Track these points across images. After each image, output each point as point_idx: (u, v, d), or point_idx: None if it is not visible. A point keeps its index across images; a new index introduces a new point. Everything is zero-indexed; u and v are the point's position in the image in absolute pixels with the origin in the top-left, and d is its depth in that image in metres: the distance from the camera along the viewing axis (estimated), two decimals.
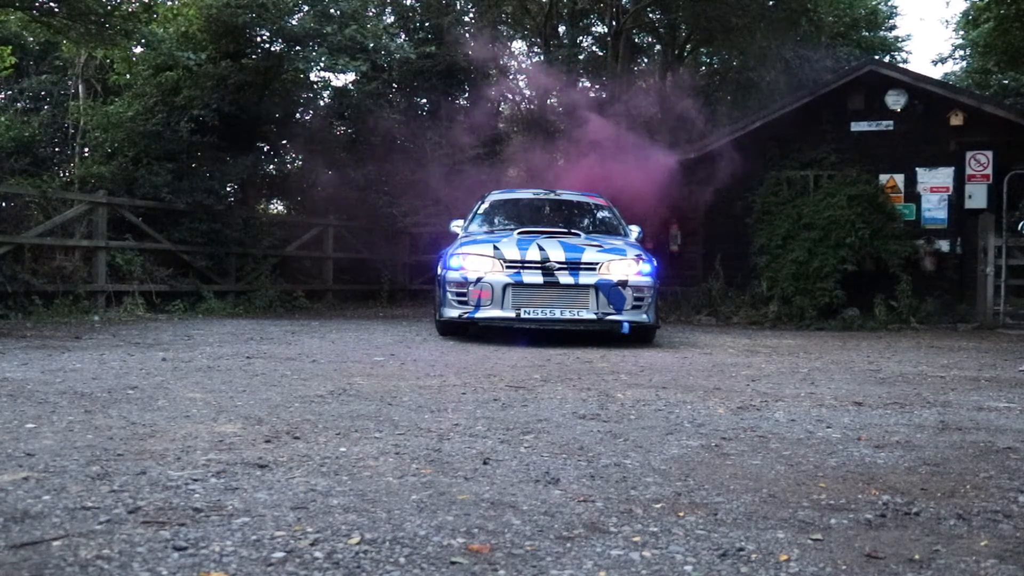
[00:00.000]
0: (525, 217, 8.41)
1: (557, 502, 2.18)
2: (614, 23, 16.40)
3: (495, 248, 7.16)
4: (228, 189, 12.46)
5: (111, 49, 10.81)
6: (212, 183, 11.35)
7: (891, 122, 11.43)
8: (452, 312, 7.09)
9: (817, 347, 7.39)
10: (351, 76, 13.97)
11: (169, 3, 12.27)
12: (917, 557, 1.83)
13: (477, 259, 7.12)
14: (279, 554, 1.73)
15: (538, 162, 11.93)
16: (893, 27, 25.28)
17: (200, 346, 6.15)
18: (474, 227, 8.21)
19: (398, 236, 14.28)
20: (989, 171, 10.98)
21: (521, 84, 17.88)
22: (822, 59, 17.87)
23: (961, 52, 24.51)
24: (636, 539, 1.90)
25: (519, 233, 7.59)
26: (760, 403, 3.98)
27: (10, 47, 11.80)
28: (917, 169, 11.28)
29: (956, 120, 11.16)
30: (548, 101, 16.16)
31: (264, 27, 11.84)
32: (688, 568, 1.74)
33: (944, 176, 11.23)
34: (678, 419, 3.48)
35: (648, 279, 7.09)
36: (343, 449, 2.73)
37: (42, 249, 9.15)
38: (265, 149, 14.21)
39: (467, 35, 16.18)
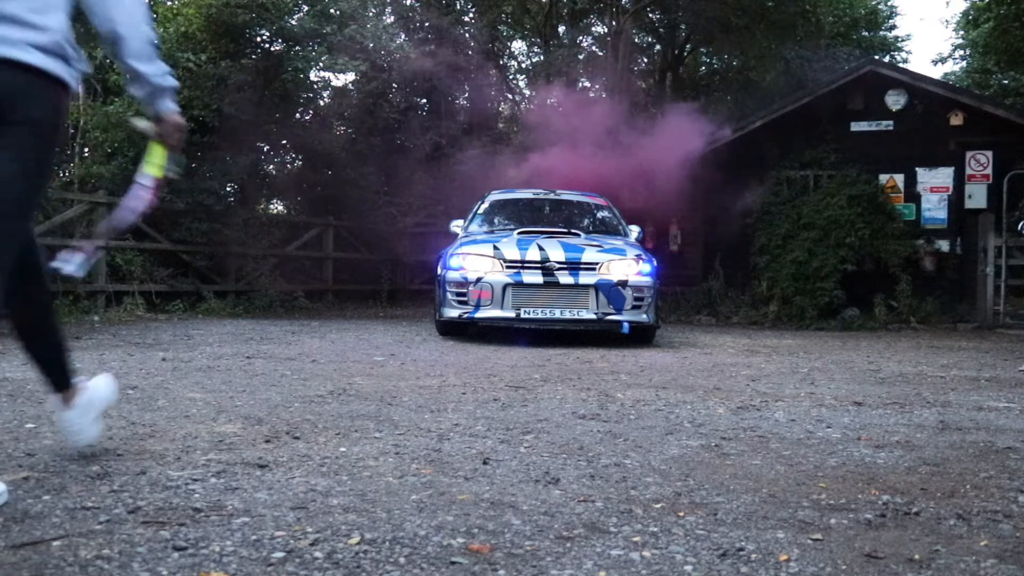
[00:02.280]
0: (525, 217, 8.41)
1: (557, 502, 2.18)
2: (614, 23, 16.40)
3: (495, 248, 7.16)
4: (228, 189, 12.45)
5: None
6: (212, 183, 11.33)
7: (891, 122, 11.44)
8: (452, 312, 7.09)
9: (817, 347, 7.39)
10: (351, 76, 13.96)
11: (169, 3, 12.28)
12: (917, 557, 1.83)
13: (477, 259, 7.12)
14: (279, 554, 1.73)
15: (539, 161, 11.92)
16: (893, 27, 25.30)
17: (200, 346, 6.14)
18: (474, 227, 8.22)
19: (398, 236, 14.27)
20: (989, 171, 10.99)
21: (521, 84, 17.90)
22: (822, 59, 17.88)
23: (961, 52, 24.53)
24: (636, 539, 1.90)
25: (519, 233, 7.59)
26: (760, 403, 3.98)
27: None
28: (917, 169, 11.28)
29: (956, 120, 11.15)
30: (548, 101, 16.16)
31: (264, 27, 11.83)
32: (688, 568, 1.74)
33: (944, 176, 11.23)
34: (678, 419, 3.48)
35: (648, 279, 7.09)
36: (343, 449, 2.73)
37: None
38: (265, 149, 14.20)
39: (467, 35, 16.19)
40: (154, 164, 2.27)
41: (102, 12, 2.05)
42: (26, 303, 2.18)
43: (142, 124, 2.31)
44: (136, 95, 2.20)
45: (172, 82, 2.22)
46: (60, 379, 2.32)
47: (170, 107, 2.23)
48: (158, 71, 2.16)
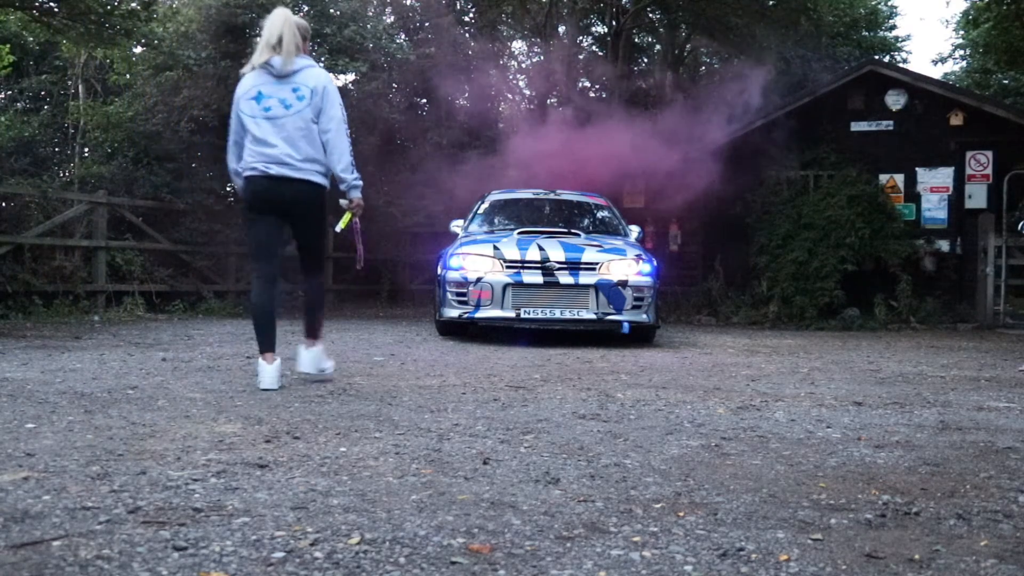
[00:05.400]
0: (525, 217, 8.41)
1: (557, 502, 2.18)
2: (614, 23, 16.40)
3: (495, 248, 7.16)
4: (228, 189, 12.45)
5: (111, 49, 10.82)
6: (212, 183, 11.33)
7: (891, 122, 11.44)
8: (452, 312, 7.09)
9: (817, 347, 7.39)
10: (351, 76, 13.96)
11: (168, 2, 12.27)
12: (917, 557, 1.83)
13: (477, 259, 7.12)
14: (279, 554, 1.73)
15: (542, 158, 11.92)
16: (893, 27, 25.30)
17: (200, 346, 6.14)
18: (474, 227, 8.21)
19: (398, 236, 14.26)
20: (989, 171, 10.99)
21: (521, 84, 17.89)
22: (822, 59, 17.88)
23: (961, 52, 24.55)
24: (636, 539, 1.90)
25: (519, 233, 7.59)
26: (760, 403, 3.98)
27: (8, 46, 11.79)
28: (917, 169, 11.29)
29: (956, 120, 11.16)
30: (548, 102, 16.16)
31: None
32: (688, 568, 1.74)
33: (944, 176, 11.23)
34: (678, 419, 3.48)
35: (648, 279, 7.09)
36: (343, 449, 2.73)
37: (42, 249, 9.15)
38: None
39: (467, 35, 16.18)
40: (345, 220, 4.44)
41: (332, 149, 4.09)
42: (307, 288, 4.68)
43: (343, 201, 4.32)
44: (342, 187, 4.24)
45: (360, 182, 4.25)
46: (309, 331, 4.56)
47: (358, 195, 4.29)
48: (355, 177, 4.21)
